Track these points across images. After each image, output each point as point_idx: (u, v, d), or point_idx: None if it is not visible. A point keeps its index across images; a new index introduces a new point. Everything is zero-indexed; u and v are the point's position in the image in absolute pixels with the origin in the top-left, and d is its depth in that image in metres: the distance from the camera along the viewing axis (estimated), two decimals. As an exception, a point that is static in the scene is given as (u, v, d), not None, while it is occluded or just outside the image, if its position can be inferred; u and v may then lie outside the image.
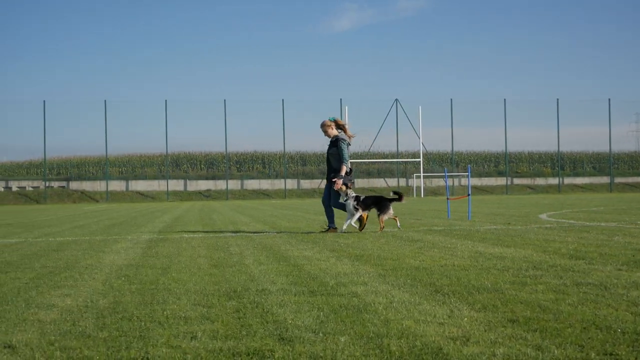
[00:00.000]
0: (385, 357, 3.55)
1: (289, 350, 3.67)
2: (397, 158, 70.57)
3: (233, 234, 12.01)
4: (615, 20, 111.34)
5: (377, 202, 11.96)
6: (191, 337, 3.97)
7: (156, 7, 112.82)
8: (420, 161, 62.74)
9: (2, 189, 67.84)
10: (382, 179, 71.69)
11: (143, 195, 65.24)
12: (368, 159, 70.94)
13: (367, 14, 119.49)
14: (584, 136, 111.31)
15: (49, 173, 70.64)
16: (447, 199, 17.60)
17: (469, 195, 15.98)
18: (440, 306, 4.74)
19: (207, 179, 71.13)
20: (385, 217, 11.87)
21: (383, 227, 12.01)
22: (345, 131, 12.35)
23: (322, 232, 12.20)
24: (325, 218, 12.63)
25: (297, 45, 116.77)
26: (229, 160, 72.84)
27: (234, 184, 68.72)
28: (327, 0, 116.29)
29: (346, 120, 10.99)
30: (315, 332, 4.05)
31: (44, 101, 64.40)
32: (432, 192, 66.45)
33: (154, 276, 6.53)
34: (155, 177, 70.29)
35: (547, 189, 68.46)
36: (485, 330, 4.02)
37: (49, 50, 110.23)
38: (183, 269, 7.07)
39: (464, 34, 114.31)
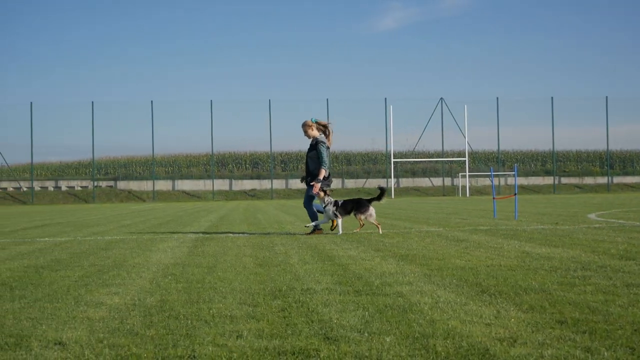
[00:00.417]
0: (431, 357, 3.52)
1: (334, 350, 3.66)
2: (442, 157, 70.08)
3: (278, 234, 12.05)
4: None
5: (357, 204, 11.67)
6: (237, 336, 3.99)
7: (203, 4, 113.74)
8: (465, 160, 62.25)
9: (52, 189, 69.14)
10: (427, 179, 71.30)
11: (189, 195, 65.89)
12: (413, 158, 70.61)
13: (411, 12, 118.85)
14: (634, 134, 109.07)
15: (97, 173, 71.77)
16: (493, 198, 17.41)
17: (515, 194, 15.79)
18: (487, 307, 4.70)
19: (252, 178, 71.53)
20: (362, 216, 11.53)
21: (363, 225, 11.77)
22: (327, 134, 12.07)
23: (308, 234, 12.02)
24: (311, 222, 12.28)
25: (342, 45, 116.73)
26: (274, 160, 73.15)
27: (278, 184, 69.01)
28: (372, 0, 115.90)
29: (325, 121, 10.59)
30: (360, 331, 4.04)
31: (92, 102, 65.50)
32: (477, 191, 65.88)
33: (200, 275, 6.59)
34: (201, 177, 70.91)
35: (596, 188, 67.33)
36: (533, 332, 3.97)
37: (98, 52, 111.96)
38: (229, 268, 7.12)
39: (510, 32, 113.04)
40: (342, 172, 73.87)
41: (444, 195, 65.24)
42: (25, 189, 68.16)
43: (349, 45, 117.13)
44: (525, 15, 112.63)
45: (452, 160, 70.19)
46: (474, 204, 29.04)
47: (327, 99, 66.97)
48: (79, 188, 69.30)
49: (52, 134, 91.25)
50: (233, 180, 69.91)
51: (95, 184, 67.96)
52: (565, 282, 5.67)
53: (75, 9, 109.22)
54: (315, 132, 11.97)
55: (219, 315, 4.56)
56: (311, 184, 11.75)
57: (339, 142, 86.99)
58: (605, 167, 70.80)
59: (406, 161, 70.07)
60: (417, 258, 7.67)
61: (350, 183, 70.74)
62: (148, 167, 72.36)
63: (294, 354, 3.63)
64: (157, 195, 64.68)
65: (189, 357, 3.61)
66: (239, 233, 12.44)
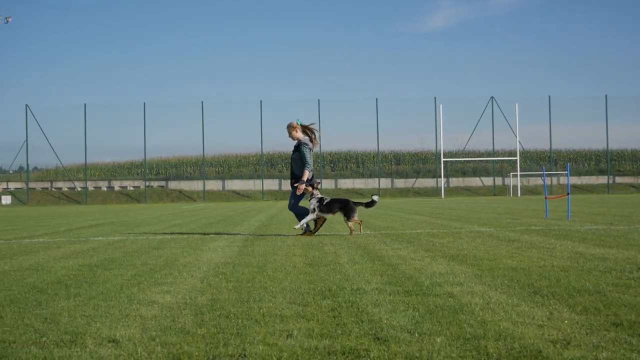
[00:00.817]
0: (483, 359, 3.49)
1: (384, 350, 3.65)
2: (493, 157, 69.35)
3: (327, 234, 12.06)
4: None
5: (344, 207, 11.46)
6: (287, 335, 4.01)
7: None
8: (517, 160, 61.49)
9: (105, 189, 70.33)
10: (477, 178, 70.64)
11: (239, 195, 66.40)
12: (463, 157, 70.02)
13: (461, 10, 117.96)
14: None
15: (149, 173, 72.77)
16: (545, 198, 17.17)
17: (568, 194, 15.55)
18: (539, 308, 4.63)
19: (301, 178, 71.65)
20: (351, 223, 11.41)
21: (353, 230, 11.58)
22: (311, 137, 11.95)
23: (299, 235, 11.91)
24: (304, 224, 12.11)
25: (391, 44, 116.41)
26: (323, 160, 73.24)
27: (327, 183, 69.07)
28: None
29: (309, 123, 10.21)
30: (410, 332, 4.02)
31: (144, 103, 66.48)
32: (529, 191, 65.03)
33: (250, 274, 6.62)
34: (250, 177, 71.39)
35: (652, 188, 65.93)
36: (587, 334, 3.90)
37: (149, 54, 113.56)
38: (278, 267, 7.15)
39: (562, 30, 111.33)
40: (391, 171, 73.63)
41: (494, 195, 64.56)
42: (79, 189, 69.47)
43: (398, 45, 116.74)
44: (577, 12, 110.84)
45: (503, 160, 69.43)
46: (526, 204, 28.67)
47: (377, 99, 66.88)
48: (131, 188, 70.36)
49: (105, 134, 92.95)
50: (282, 180, 70.19)
51: (147, 184, 68.95)
52: (620, 284, 5.56)
53: (129, 9, 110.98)
54: (299, 134, 11.89)
55: (269, 315, 4.58)
56: (295, 185, 11.73)
57: (387, 142, 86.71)
58: (662, 166, 69.27)
59: (456, 160, 69.50)
60: (467, 258, 7.60)
61: (400, 183, 70.46)
62: (198, 167, 73.09)
63: (344, 354, 3.62)
64: (207, 195, 65.32)
65: (239, 355, 3.63)
66: (287, 231, 12.48)
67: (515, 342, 3.75)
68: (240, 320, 4.42)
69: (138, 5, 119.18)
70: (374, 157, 74.14)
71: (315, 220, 11.64)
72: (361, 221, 11.77)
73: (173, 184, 70.04)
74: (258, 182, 68.52)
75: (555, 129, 69.71)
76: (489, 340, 3.81)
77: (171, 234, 13.09)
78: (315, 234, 11.65)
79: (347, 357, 3.58)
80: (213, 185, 69.30)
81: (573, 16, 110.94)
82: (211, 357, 3.62)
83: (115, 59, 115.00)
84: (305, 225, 11.62)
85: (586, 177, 70.23)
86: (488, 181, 69.94)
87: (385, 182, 69.58)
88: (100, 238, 12.31)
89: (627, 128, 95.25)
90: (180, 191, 68.15)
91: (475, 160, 71.35)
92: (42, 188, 70.87)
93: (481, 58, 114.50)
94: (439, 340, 3.83)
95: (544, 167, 19.24)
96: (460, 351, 3.61)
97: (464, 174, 72.13)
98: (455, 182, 70.04)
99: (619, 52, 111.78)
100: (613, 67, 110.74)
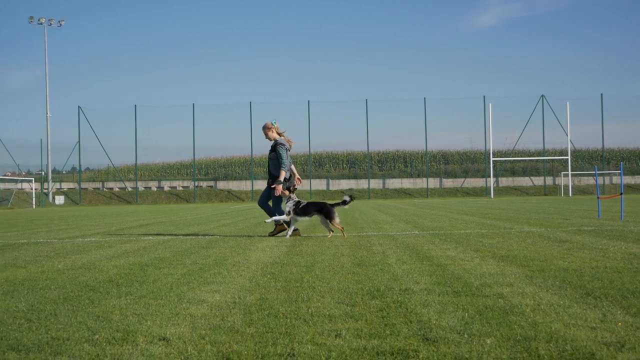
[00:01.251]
0: (534, 361, 3.44)
1: (433, 351, 3.63)
2: (544, 156, 68.41)
3: (375, 233, 12.03)
4: None
5: (321, 209, 11.39)
6: (335, 335, 4.00)
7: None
8: (568, 159, 60.57)
9: (155, 189, 71.25)
10: (527, 178, 69.79)
11: (287, 195, 66.58)
12: (513, 157, 69.20)
13: (511, 8, 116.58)
14: None
15: (198, 173, 73.53)
16: (598, 198, 16.86)
17: (621, 193, 15.27)
18: (592, 310, 4.55)
19: (349, 178, 71.72)
20: (337, 220, 11.29)
21: (341, 229, 11.47)
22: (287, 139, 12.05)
23: (272, 234, 12.02)
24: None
25: (439, 44, 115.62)
26: (371, 160, 73.10)
27: (375, 183, 68.94)
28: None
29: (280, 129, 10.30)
30: (460, 333, 3.99)
31: (193, 104, 67.17)
32: (580, 190, 64.00)
33: (298, 274, 6.64)
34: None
35: None
36: (642, 336, 3.82)
37: (198, 56, 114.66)
38: (326, 267, 7.15)
39: (614, 26, 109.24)
40: (439, 171, 73.15)
41: (545, 194, 63.69)
42: (130, 189, 70.52)
43: (446, 44, 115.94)
44: (628, 9, 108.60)
45: (554, 159, 68.46)
46: (577, 204, 28.20)
47: (425, 98, 66.52)
48: (181, 188, 71.18)
49: (155, 135, 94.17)
50: (330, 180, 70.27)
51: (196, 184, 69.68)
52: (676, 286, 5.43)
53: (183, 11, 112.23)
54: (275, 135, 12.00)
55: (317, 314, 4.59)
56: (272, 186, 11.77)
57: (436, 141, 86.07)
58: None
59: (506, 160, 68.75)
60: (517, 259, 7.50)
61: (448, 182, 69.96)
62: (247, 167, 73.62)
63: (392, 354, 3.61)
64: (255, 195, 65.68)
65: (288, 355, 3.64)
66: (334, 231, 12.48)
67: (567, 344, 3.69)
68: (288, 320, 4.44)
69: (189, 8, 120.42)
70: (422, 157, 73.77)
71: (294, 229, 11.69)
72: (343, 227, 11.74)
73: (222, 184, 70.65)
74: (306, 182, 68.69)
75: (607, 127, 68.57)
76: (540, 342, 3.75)
77: (220, 233, 13.18)
78: (277, 234, 11.80)
79: (395, 357, 3.56)
80: (261, 185, 69.63)
81: (626, 12, 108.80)
82: (260, 356, 3.64)
83: (165, 61, 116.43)
84: (281, 222, 11.80)
85: (640, 176, 68.84)
86: (538, 181, 69.05)
87: (433, 182, 69.14)
88: (150, 237, 12.47)
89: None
90: (229, 191, 68.71)
91: (525, 160, 70.49)
92: (93, 188, 72.14)
93: (531, 56, 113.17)
94: (489, 341, 3.79)
95: (596, 166, 18.91)
96: (511, 353, 3.57)
97: (513, 173, 71.32)
98: (504, 181, 69.29)
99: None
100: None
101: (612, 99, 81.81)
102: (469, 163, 75.56)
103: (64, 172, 77.09)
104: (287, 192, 11.57)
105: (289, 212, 11.43)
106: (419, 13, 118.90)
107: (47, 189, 67.57)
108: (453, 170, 74.14)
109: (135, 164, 70.32)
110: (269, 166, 12.05)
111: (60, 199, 65.94)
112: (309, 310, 4.72)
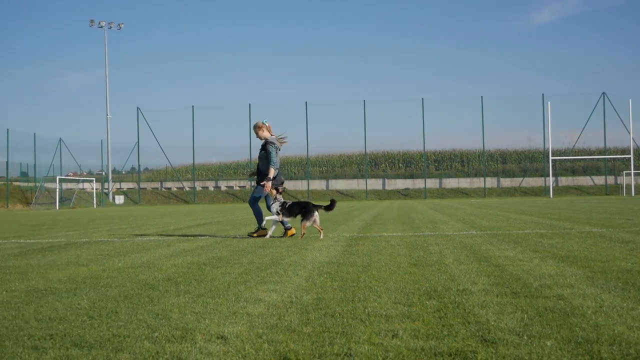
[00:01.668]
0: (596, 364, 3.37)
1: (492, 353, 3.58)
2: (605, 154, 67.02)
3: (432, 233, 11.95)
4: None
5: (303, 209, 11.50)
6: (392, 335, 3.99)
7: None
8: (630, 157, 59.22)
9: (212, 189, 72.07)
10: (587, 177, 68.51)
11: (342, 194, 66.66)
12: (572, 155, 67.99)
13: (570, 4, 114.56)
14: None
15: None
16: (661, 197, 16.46)
17: (686, 193, 14.86)
18: (656, 312, 4.43)
19: (405, 177, 71.41)
20: (308, 223, 11.36)
21: (304, 234, 11.52)
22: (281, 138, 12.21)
23: (251, 234, 12.10)
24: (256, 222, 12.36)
25: (497, 41, 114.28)
26: (427, 159, 72.64)
27: (432, 183, 68.47)
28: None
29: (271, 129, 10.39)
30: (519, 334, 3.93)
31: (249, 104, 67.70)
32: (643, 190, 62.47)
33: (355, 274, 6.63)
34: (354, 176, 71.61)
35: None
36: None
37: (253, 57, 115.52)
38: (383, 267, 7.13)
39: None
40: (497, 170, 72.29)
41: (606, 194, 62.40)
42: (187, 189, 71.46)
43: (504, 42, 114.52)
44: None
45: (616, 158, 66.98)
46: (640, 204, 27.55)
47: (482, 97, 65.86)
48: (237, 188, 71.83)
49: (212, 135, 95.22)
50: (386, 180, 70.06)
51: (253, 184, 70.20)
52: None
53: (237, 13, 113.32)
54: (266, 134, 12.16)
55: (374, 314, 4.57)
56: (261, 184, 11.94)
57: (494, 140, 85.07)
58: None
59: (565, 159, 67.59)
60: (578, 260, 7.36)
61: (506, 182, 69.09)
62: (303, 167, 73.89)
63: (450, 355, 3.57)
64: (311, 195, 65.87)
65: (345, 354, 3.64)
66: (392, 231, 12.44)
67: (631, 347, 3.60)
68: (345, 320, 4.43)
69: (251, 10, 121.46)
70: (479, 156, 73.00)
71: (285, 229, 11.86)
72: (322, 228, 11.76)
73: (278, 184, 71.00)
74: (362, 181, 68.65)
75: (671, 125, 66.70)
76: (602, 344, 3.67)
77: (276, 233, 13.24)
78: (268, 236, 11.82)
79: (453, 358, 3.53)
80: (317, 184, 69.90)
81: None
82: (317, 355, 3.65)
83: (221, 62, 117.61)
84: (270, 224, 12.01)
85: None
86: (599, 180, 67.70)
87: (491, 182, 68.35)
88: (208, 237, 12.61)
89: None
90: (285, 191, 69.08)
91: (585, 159, 69.18)
92: (152, 188, 73.32)
93: (591, 53, 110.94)
94: (549, 343, 3.72)
95: (659, 165, 18.42)
96: (572, 355, 3.50)
97: (573, 172, 70.10)
98: (564, 181, 68.14)
99: None
100: None
101: (676, 96, 79.67)
102: (527, 162, 74.50)
103: (123, 172, 78.60)
104: (274, 192, 11.83)
105: (277, 212, 11.69)
106: (476, 10, 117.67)
107: (107, 188, 68.93)
108: (511, 169, 73.19)
109: (193, 163, 71.21)
110: (258, 165, 12.36)
111: (120, 199, 67.20)
112: (366, 310, 4.71)
